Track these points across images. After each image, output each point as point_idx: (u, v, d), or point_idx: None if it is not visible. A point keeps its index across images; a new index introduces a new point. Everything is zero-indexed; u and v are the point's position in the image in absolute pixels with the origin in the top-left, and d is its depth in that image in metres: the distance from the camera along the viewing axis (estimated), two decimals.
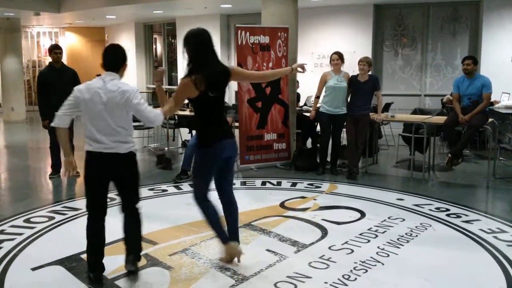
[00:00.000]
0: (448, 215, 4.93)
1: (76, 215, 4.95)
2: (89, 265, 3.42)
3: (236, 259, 3.69)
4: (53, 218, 4.84)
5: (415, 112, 7.97)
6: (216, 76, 3.43)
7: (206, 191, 3.60)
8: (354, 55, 9.05)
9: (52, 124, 3.25)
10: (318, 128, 7.15)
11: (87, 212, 3.40)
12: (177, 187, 6.04)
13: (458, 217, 4.87)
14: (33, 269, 3.62)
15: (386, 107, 8.70)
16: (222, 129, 3.52)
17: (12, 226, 4.60)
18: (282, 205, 5.29)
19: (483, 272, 3.62)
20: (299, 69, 4.05)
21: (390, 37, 10.60)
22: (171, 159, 7.30)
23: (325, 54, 10.33)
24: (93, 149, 3.22)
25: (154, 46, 15.41)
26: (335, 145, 6.75)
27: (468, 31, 9.98)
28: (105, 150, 3.22)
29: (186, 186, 6.04)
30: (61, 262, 3.73)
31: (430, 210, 5.10)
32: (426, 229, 4.52)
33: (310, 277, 3.47)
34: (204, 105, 3.44)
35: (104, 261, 3.40)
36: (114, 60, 3.30)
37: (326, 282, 3.39)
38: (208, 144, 3.47)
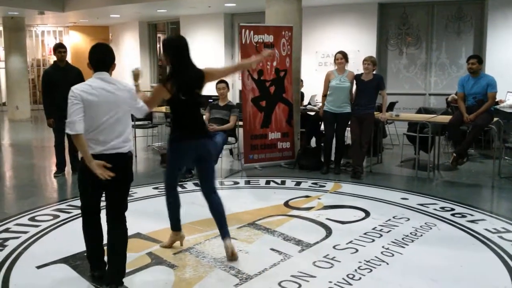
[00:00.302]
0: (453, 214, 4.91)
1: (80, 213, 4.96)
2: (91, 264, 3.41)
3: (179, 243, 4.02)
4: (58, 216, 4.85)
5: (419, 111, 7.95)
6: (187, 81, 3.61)
7: (170, 182, 3.90)
8: (359, 54, 9.04)
9: (71, 132, 2.99)
10: (323, 127, 7.15)
11: (82, 215, 3.34)
12: (181, 186, 6.03)
13: (463, 216, 4.85)
14: (38, 267, 3.63)
15: (391, 106, 8.66)
16: (191, 129, 3.69)
17: (17, 224, 4.61)
18: (286, 204, 5.29)
19: (488, 272, 3.61)
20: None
21: (394, 36, 10.56)
22: None
23: (329, 53, 10.31)
24: (96, 152, 3.06)
25: (158, 45, 15.41)
26: (338, 144, 6.74)
27: (472, 30, 9.94)
28: (108, 151, 3.09)
29: (190, 185, 6.04)
30: (65, 260, 3.74)
31: (435, 209, 5.08)
32: (431, 228, 4.51)
33: (315, 277, 3.47)
34: (175, 107, 3.70)
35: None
36: (103, 59, 3.16)
37: (330, 282, 3.38)
38: (175, 141, 3.74)
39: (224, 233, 3.78)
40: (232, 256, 3.72)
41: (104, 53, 3.20)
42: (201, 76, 3.67)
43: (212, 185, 3.82)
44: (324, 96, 6.73)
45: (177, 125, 3.73)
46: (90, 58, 3.17)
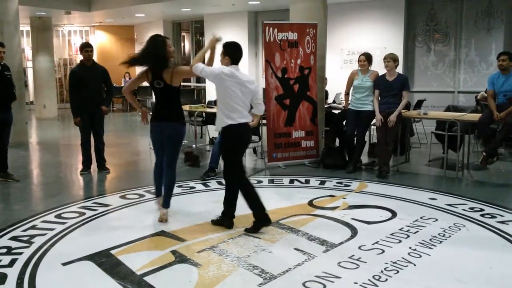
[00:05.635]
0: (482, 215, 4.77)
1: (106, 211, 5.00)
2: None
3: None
4: (83, 214, 4.89)
5: (448, 109, 7.77)
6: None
7: (156, 160, 4.67)
8: (385, 51, 8.86)
9: None
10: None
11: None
12: (205, 184, 6.04)
13: (493, 217, 4.71)
14: (64, 264, 3.66)
15: (419, 104, 8.53)
16: (163, 113, 4.45)
17: (44, 221, 4.67)
18: (310, 203, 5.23)
19: None
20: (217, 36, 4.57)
21: (422, 32, 10.36)
22: (198, 156, 7.31)
23: (355, 51, 10.20)
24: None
25: (182, 44, 15.51)
26: (357, 142, 6.68)
27: (503, 26, 9.66)
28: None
29: (213, 183, 6.04)
30: (91, 257, 3.76)
31: (464, 210, 4.95)
32: (460, 229, 4.39)
33: (339, 277, 3.40)
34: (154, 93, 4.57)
35: (132, 257, 3.39)
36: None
37: (356, 283, 3.31)
38: (151, 121, 4.58)
39: (164, 202, 4.53)
40: (161, 220, 4.49)
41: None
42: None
43: (168, 162, 4.50)
44: (347, 94, 6.75)
45: (154, 107, 4.66)
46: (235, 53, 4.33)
